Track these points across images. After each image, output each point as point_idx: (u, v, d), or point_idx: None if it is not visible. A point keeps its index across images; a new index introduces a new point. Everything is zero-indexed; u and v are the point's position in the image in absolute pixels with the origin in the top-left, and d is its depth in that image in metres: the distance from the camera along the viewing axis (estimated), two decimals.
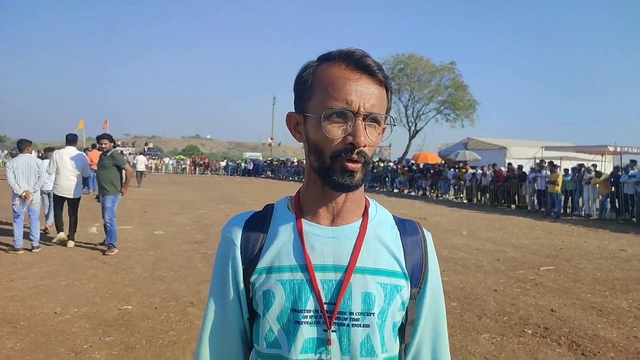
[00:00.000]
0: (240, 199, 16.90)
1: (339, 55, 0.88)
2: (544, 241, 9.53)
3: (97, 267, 6.08)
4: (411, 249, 0.96)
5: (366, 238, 0.93)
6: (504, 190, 17.30)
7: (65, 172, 7.30)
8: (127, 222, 10.11)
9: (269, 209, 1.01)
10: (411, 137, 39.78)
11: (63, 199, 7.44)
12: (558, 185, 14.03)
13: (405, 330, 0.96)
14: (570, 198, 14.77)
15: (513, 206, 16.65)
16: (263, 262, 0.92)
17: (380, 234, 0.95)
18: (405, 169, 24.28)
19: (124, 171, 7.25)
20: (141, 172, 22.17)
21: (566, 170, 15.20)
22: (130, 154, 28.35)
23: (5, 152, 40.64)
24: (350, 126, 0.84)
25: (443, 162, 25.26)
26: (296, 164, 35.16)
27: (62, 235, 7.53)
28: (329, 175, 0.87)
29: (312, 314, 0.88)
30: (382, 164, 27.03)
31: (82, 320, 4.16)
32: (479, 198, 18.87)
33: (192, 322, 4.20)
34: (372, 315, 0.88)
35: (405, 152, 38.98)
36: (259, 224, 0.97)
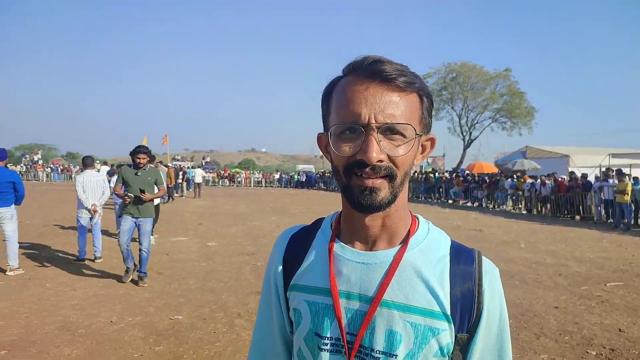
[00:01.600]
0: (292, 210, 17.06)
1: (351, 65, 0.81)
2: (611, 255, 8.88)
3: (152, 277, 6.30)
4: (460, 286, 0.81)
5: (400, 268, 0.81)
6: (567, 201, 16.36)
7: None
8: (183, 234, 10.45)
9: (317, 224, 0.98)
10: (466, 147, 38.68)
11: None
12: (627, 194, 13.07)
13: None
14: None
15: (577, 217, 15.70)
16: (296, 279, 0.90)
17: (420, 264, 0.82)
18: (460, 179, 23.59)
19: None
20: (198, 184, 23.66)
21: (636, 178, 14.16)
22: (188, 167, 29.42)
23: (77, 167, 43.57)
24: (362, 141, 0.76)
25: (500, 171, 24.32)
26: None
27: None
28: (349, 195, 0.81)
29: (333, 341, 0.84)
30: (434, 175, 26.45)
31: (135, 329, 4.31)
32: (539, 209, 17.95)
33: (239, 334, 4.23)
34: (394, 357, 0.79)
35: (460, 162, 37.92)
36: (303, 238, 0.95)
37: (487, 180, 21.44)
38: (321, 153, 0.93)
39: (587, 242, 10.52)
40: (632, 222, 13.36)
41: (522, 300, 5.53)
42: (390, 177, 0.78)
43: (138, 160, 5.99)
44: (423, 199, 25.50)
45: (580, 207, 15.91)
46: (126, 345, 3.93)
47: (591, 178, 16.72)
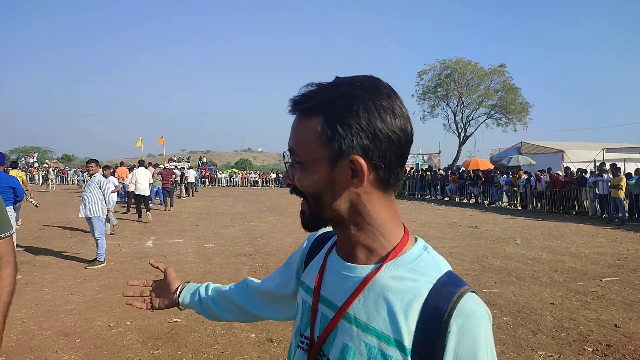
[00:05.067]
0: (290, 210, 17.06)
1: None
2: (606, 250, 8.94)
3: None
4: (429, 323, 0.74)
5: (369, 287, 0.79)
6: (562, 196, 16.45)
7: (142, 180, 13.14)
8: (180, 236, 10.45)
9: None
10: (461, 144, 38.76)
11: (142, 196, 12.98)
12: (622, 189, 13.16)
13: None
14: (635, 203, 13.81)
15: (573, 213, 15.78)
16: (303, 276, 0.98)
17: (391, 287, 0.78)
18: (456, 176, 23.67)
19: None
20: (192, 184, 24.54)
21: (629, 174, 14.25)
22: (183, 168, 29.49)
23: (73, 170, 43.38)
24: None
25: (495, 167, 24.41)
26: None
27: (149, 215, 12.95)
28: None
29: (307, 341, 0.88)
30: (430, 172, 26.54)
31: (133, 333, 4.31)
32: (535, 205, 18.05)
33: (237, 336, 4.25)
34: None
35: (456, 159, 38.00)
36: (323, 242, 1.00)
37: (483, 177, 21.53)
38: None
39: (582, 238, 10.59)
40: (627, 216, 13.45)
41: (518, 297, 5.57)
42: (305, 198, 0.82)
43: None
44: (419, 196, 25.59)
45: (576, 203, 16.00)
46: (124, 349, 3.93)
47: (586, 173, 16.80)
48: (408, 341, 0.74)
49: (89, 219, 7.41)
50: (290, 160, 0.82)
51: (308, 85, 0.80)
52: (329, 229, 0.95)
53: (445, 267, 0.82)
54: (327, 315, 0.85)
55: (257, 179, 45.01)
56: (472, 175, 22.91)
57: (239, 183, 43.15)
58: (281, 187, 40.17)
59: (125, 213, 14.71)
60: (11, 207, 6.37)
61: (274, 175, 45.11)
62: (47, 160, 47.24)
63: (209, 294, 1.24)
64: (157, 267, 1.32)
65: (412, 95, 39.41)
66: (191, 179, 24.62)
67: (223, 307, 1.22)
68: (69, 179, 41.00)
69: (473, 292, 0.77)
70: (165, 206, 16.84)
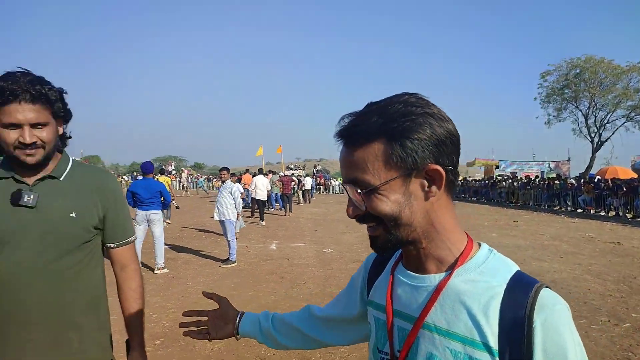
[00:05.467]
0: None
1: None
2: None
3: (276, 281, 6.72)
4: (511, 321, 0.75)
5: (444, 294, 0.82)
6: None
7: (260, 186, 14.40)
8: (300, 240, 10.94)
9: None
10: (595, 150, 34.88)
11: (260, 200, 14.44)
12: None
13: None
14: None
15: None
16: (371, 295, 1.00)
17: (465, 292, 0.80)
18: (590, 185, 21.42)
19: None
20: (308, 191, 25.95)
21: None
22: (300, 175, 30.98)
23: (204, 177, 47.74)
24: None
25: (639, 176, 21.61)
26: (481, 181, 33.66)
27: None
28: None
29: (388, 357, 0.90)
30: (559, 181, 24.35)
31: None
32: None
33: None
34: None
35: (589, 167, 34.36)
36: (382, 263, 1.02)
37: (624, 187, 19.19)
38: None
39: None
40: None
41: None
42: (382, 224, 0.82)
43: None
44: (546, 207, 23.61)
45: None
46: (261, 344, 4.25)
47: None
48: (493, 342, 0.75)
49: (222, 222, 8.13)
50: (355, 191, 0.82)
51: (348, 116, 0.83)
52: None
53: (514, 267, 0.83)
54: (405, 327, 0.87)
55: None
56: (611, 184, 20.55)
57: None
58: None
59: (250, 217, 15.81)
60: (160, 210, 7.27)
61: None
62: (182, 168, 52.54)
63: (271, 322, 1.24)
64: (211, 298, 1.33)
65: (535, 99, 36.67)
66: (308, 186, 25.95)
67: (287, 335, 1.23)
68: (208, 185, 45.67)
69: (547, 287, 0.78)
70: (285, 211, 17.73)
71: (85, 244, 1.50)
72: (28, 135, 1.33)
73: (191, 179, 41.11)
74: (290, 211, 17.79)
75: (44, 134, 1.37)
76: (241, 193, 11.82)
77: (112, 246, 1.61)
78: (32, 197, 1.39)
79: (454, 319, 0.80)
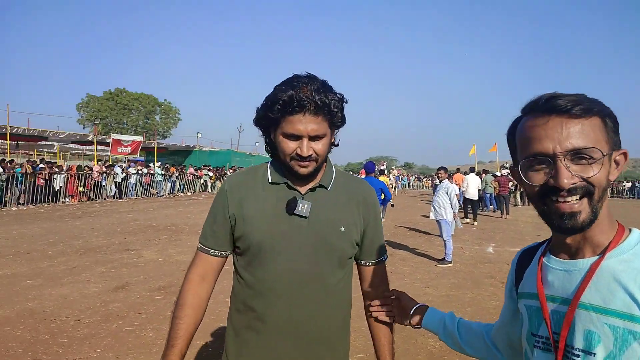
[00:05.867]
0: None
1: (528, 105, 0.92)
2: None
3: (496, 285, 6.43)
4: None
5: (598, 274, 0.86)
6: None
7: (472, 185, 14.25)
8: (520, 244, 10.07)
9: (545, 241, 1.09)
10: None
11: (470, 200, 14.49)
12: None
13: None
14: None
15: None
16: (521, 288, 1.06)
17: (620, 271, 0.84)
18: None
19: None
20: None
21: None
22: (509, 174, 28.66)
23: (414, 176, 48.49)
24: (551, 170, 0.86)
25: None
26: None
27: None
28: (547, 220, 0.90)
29: (544, 340, 0.95)
30: None
31: None
32: None
33: None
34: (592, 355, 0.85)
35: None
36: (530, 253, 1.09)
37: None
38: None
39: None
40: None
41: None
42: (588, 195, 0.84)
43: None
44: None
45: None
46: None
47: None
48: None
49: (438, 222, 8.16)
50: (578, 158, 0.85)
51: (559, 96, 0.87)
52: (532, 244, 1.12)
53: None
54: (560, 310, 0.91)
55: None
56: None
57: None
58: (638, 198, 33.49)
59: (463, 218, 15.40)
60: (381, 206, 7.73)
61: (628, 185, 38.04)
62: (391, 167, 54.39)
63: (457, 326, 1.33)
64: (393, 295, 1.52)
65: None
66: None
67: (469, 342, 1.30)
68: (410, 184, 46.72)
69: None
70: (502, 213, 16.72)
71: (349, 259, 1.47)
72: (306, 148, 1.30)
73: (401, 178, 42.17)
74: (507, 213, 16.68)
75: (320, 146, 1.33)
76: (456, 194, 11.69)
77: (366, 264, 1.53)
78: (306, 206, 1.37)
79: (610, 296, 0.84)
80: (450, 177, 15.14)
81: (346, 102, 1.36)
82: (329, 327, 1.42)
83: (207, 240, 1.44)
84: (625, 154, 0.91)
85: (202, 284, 1.44)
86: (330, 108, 1.29)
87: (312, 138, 1.30)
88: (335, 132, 1.42)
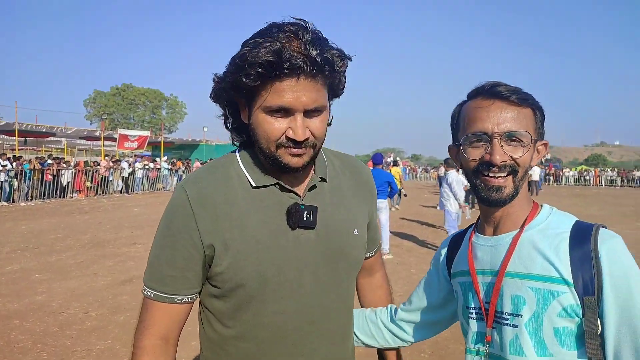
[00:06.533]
0: None
1: (474, 90, 1.03)
2: None
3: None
4: (578, 254, 0.92)
5: (519, 245, 0.98)
6: None
7: None
8: None
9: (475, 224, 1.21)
10: None
11: None
12: None
13: (587, 341, 0.90)
14: None
15: None
16: (454, 268, 1.15)
17: (537, 240, 0.97)
18: None
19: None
20: (535, 182, 23.34)
21: None
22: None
23: (421, 168, 48.32)
24: (488, 147, 0.96)
25: None
26: None
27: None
28: (477, 192, 1.01)
29: (476, 311, 1.05)
30: None
31: None
32: None
33: None
34: (519, 316, 0.95)
35: None
36: (460, 237, 1.20)
37: None
38: None
39: None
40: None
41: None
42: (513, 174, 0.97)
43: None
44: None
45: None
46: None
47: None
48: (567, 274, 0.91)
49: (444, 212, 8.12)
50: (511, 140, 0.97)
51: (502, 85, 0.98)
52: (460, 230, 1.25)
53: (574, 218, 1.00)
54: (489, 281, 1.02)
55: (614, 177, 38.59)
56: None
57: (591, 182, 38.02)
58: None
59: (471, 209, 15.33)
60: (386, 198, 7.68)
61: (638, 174, 37.61)
62: (397, 159, 54.29)
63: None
64: None
65: None
66: (535, 177, 23.28)
67: (364, 332, 1.32)
68: (417, 175, 46.40)
69: (604, 226, 0.95)
70: None
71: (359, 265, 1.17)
72: (301, 129, 0.92)
73: (408, 170, 42.04)
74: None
75: (318, 123, 0.95)
76: (464, 185, 11.58)
77: (368, 255, 1.25)
78: (311, 213, 1.01)
79: (530, 263, 0.95)
80: (457, 169, 15.07)
81: (350, 60, 0.98)
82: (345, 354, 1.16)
83: (166, 285, 0.99)
84: (545, 144, 1.05)
85: (166, 351, 1.00)
86: (334, 68, 0.92)
87: (308, 113, 0.93)
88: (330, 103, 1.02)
